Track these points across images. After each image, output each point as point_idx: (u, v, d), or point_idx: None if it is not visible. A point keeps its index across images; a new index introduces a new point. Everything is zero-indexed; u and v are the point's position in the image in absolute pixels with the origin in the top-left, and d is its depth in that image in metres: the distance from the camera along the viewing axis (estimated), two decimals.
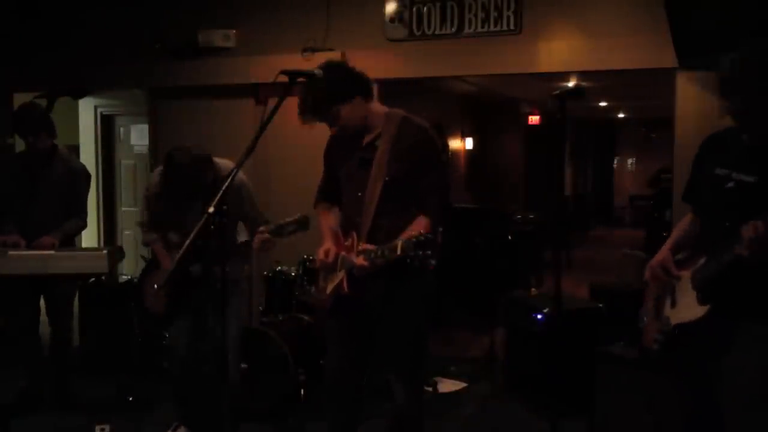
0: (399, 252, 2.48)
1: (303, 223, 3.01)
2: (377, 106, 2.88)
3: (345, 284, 2.80)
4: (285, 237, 3.07)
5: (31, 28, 6.14)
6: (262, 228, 3.12)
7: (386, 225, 2.72)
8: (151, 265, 3.78)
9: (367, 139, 2.86)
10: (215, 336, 3.55)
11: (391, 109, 2.89)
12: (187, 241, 2.62)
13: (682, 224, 2.65)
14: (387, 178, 2.77)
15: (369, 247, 2.69)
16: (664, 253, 2.57)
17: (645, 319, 2.66)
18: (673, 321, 2.46)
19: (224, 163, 3.57)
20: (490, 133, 11.48)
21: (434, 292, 2.94)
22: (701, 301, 2.35)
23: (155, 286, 3.61)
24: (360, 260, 2.69)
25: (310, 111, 2.76)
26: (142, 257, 4.95)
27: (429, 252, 2.39)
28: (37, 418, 4.12)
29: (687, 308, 2.40)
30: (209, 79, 5.65)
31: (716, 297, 2.31)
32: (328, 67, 2.75)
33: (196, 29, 5.62)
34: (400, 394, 2.90)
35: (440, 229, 2.45)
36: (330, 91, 2.72)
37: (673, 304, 2.49)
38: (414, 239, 2.42)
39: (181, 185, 3.44)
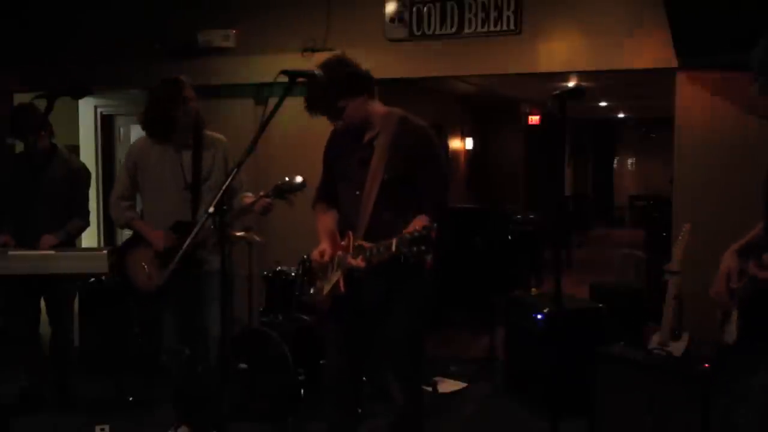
0: (393, 249, 2.47)
1: (299, 184, 3.14)
2: (378, 106, 2.89)
3: (341, 284, 2.79)
4: (285, 199, 3.20)
5: (31, 28, 6.13)
6: (261, 192, 3.26)
7: (385, 224, 2.72)
8: (134, 240, 3.69)
9: (366, 138, 2.87)
10: (208, 335, 3.57)
11: (389, 109, 2.90)
12: (188, 239, 2.63)
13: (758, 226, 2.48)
14: (385, 177, 2.77)
15: (364, 244, 2.69)
16: (730, 256, 2.38)
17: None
18: (727, 339, 2.39)
19: (215, 135, 3.69)
20: (490, 133, 11.47)
21: (432, 292, 2.94)
22: (738, 325, 2.28)
23: (147, 266, 3.58)
24: (356, 261, 2.68)
25: (316, 105, 2.78)
26: None
27: (423, 248, 2.37)
28: (37, 418, 4.12)
29: (733, 329, 2.34)
30: (209, 79, 5.64)
31: (747, 319, 2.24)
32: (336, 62, 2.78)
33: (196, 29, 5.62)
34: (398, 394, 2.90)
35: (435, 225, 2.41)
36: (337, 87, 2.74)
37: (729, 321, 2.42)
38: (408, 236, 2.40)
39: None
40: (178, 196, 3.55)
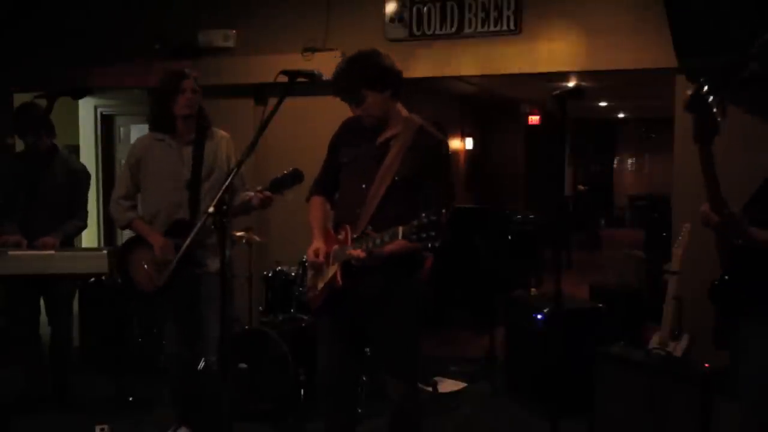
0: (400, 236, 2.42)
1: (297, 176, 3.13)
2: (400, 108, 2.90)
3: (339, 277, 2.77)
4: (283, 193, 3.19)
5: (30, 28, 6.13)
6: (259, 187, 3.26)
7: (387, 223, 2.71)
8: (134, 240, 3.65)
9: (382, 136, 2.87)
10: (208, 335, 3.56)
11: (410, 114, 2.91)
12: (188, 240, 2.63)
13: None
14: (396, 178, 2.77)
15: (370, 233, 2.66)
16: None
17: None
18: None
19: (220, 132, 3.69)
20: (490, 133, 11.47)
21: (428, 290, 2.93)
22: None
23: (148, 266, 3.56)
24: (356, 252, 2.65)
25: (340, 86, 2.81)
26: None
27: (433, 233, 2.30)
28: (37, 418, 4.12)
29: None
30: (209, 79, 5.61)
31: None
32: (371, 52, 2.83)
33: (196, 29, 5.62)
34: (396, 391, 2.90)
35: (443, 210, 2.35)
36: (364, 75, 2.77)
37: None
38: (415, 222, 2.34)
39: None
40: (177, 194, 3.53)
